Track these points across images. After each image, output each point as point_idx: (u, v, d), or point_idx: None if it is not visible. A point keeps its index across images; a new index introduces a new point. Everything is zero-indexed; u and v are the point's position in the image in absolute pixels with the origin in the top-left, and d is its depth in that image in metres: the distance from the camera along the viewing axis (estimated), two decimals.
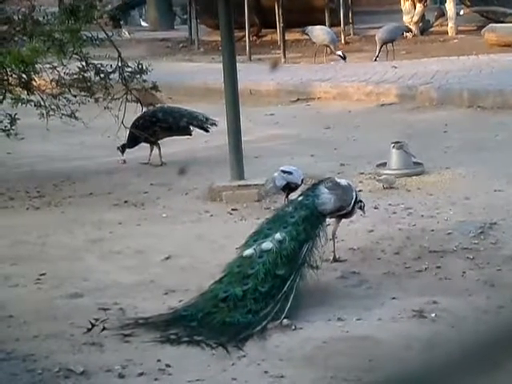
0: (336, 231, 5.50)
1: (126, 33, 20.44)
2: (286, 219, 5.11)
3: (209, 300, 4.73)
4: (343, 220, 5.53)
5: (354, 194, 5.47)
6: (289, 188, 6.05)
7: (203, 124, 8.30)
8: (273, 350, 4.33)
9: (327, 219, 5.32)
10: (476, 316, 4.59)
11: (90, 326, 4.56)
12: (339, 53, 13.36)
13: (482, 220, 6.06)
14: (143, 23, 22.97)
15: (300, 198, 5.32)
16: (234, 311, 4.67)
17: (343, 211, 5.43)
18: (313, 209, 5.19)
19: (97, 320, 4.61)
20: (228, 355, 4.30)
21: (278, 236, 4.95)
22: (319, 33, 13.87)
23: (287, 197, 6.01)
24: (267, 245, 4.92)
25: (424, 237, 5.83)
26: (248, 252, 4.91)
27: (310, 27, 14.09)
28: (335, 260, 5.46)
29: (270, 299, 4.74)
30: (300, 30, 14.59)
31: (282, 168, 6.09)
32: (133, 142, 8.20)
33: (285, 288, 4.81)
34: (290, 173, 6.05)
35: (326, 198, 5.26)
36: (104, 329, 4.56)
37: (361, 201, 5.54)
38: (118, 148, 8.17)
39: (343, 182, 5.51)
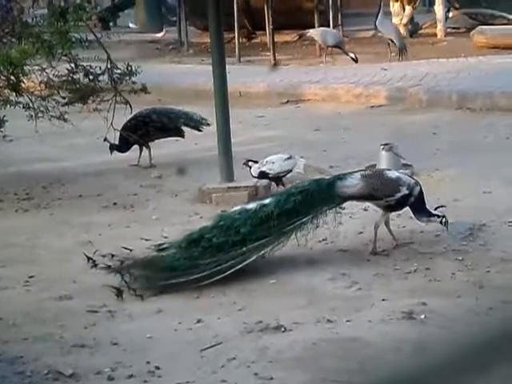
0: (380, 224, 5.51)
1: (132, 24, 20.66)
2: (289, 189, 5.25)
3: (181, 240, 5.06)
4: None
5: (403, 188, 5.43)
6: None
7: (198, 124, 8.28)
8: (262, 351, 4.33)
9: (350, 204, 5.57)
10: (465, 317, 4.60)
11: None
12: (352, 55, 13.30)
13: (471, 221, 6.07)
14: (131, 25, 22.91)
15: (325, 177, 5.45)
16: (180, 254, 4.95)
17: (375, 201, 5.45)
18: (325, 187, 5.25)
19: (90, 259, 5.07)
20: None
21: (266, 201, 5.11)
22: (328, 35, 13.80)
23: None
24: (251, 205, 5.09)
25: (413, 238, 5.84)
26: (235, 208, 5.08)
27: (312, 30, 14.08)
28: (375, 253, 5.47)
29: (217, 252, 4.86)
30: (298, 33, 14.50)
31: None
32: (124, 145, 8.17)
33: (244, 248, 4.90)
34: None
35: (352, 182, 5.29)
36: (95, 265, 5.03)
37: (444, 216, 5.51)
38: (109, 146, 8.05)
39: (392, 173, 5.50)
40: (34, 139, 8.56)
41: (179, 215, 6.64)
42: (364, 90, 11.31)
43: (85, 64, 7.73)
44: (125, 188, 7.51)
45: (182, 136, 8.35)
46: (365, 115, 10.47)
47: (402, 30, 16.65)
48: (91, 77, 7.74)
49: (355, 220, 6.10)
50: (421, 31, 17.45)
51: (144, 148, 8.20)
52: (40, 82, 7.72)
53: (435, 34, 16.77)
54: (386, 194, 5.43)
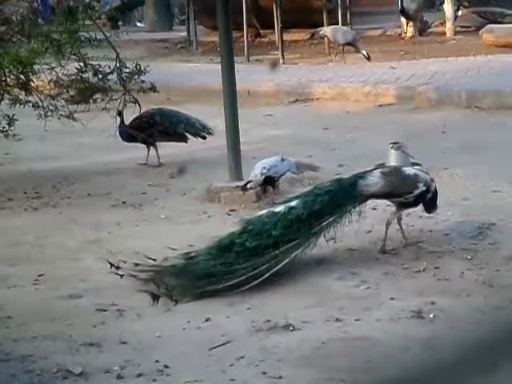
0: (392, 221, 5.51)
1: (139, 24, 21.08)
2: (313, 190, 5.23)
3: (210, 247, 5.01)
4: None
5: (421, 185, 5.43)
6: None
7: (200, 132, 8.25)
8: (271, 350, 4.33)
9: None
10: (474, 316, 4.59)
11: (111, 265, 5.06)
12: (364, 52, 13.31)
13: (480, 220, 6.06)
14: (139, 24, 22.99)
15: (346, 176, 5.43)
16: (213, 260, 4.88)
17: (395, 198, 5.44)
18: (347, 186, 5.24)
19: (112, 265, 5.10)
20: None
21: (293, 202, 5.10)
22: (340, 32, 13.81)
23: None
24: (279, 208, 5.05)
25: (422, 237, 5.83)
26: (262, 212, 5.06)
27: (324, 28, 14.11)
28: (384, 252, 5.47)
29: (251, 256, 4.83)
30: (310, 31, 14.52)
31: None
32: (129, 138, 8.17)
33: (277, 251, 4.88)
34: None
35: (373, 180, 5.30)
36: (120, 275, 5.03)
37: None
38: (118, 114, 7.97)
39: (409, 170, 5.50)
40: (44, 138, 8.59)
41: (187, 214, 6.65)
42: (373, 89, 11.30)
43: (94, 63, 7.75)
44: (133, 187, 7.52)
45: (185, 141, 8.29)
46: (374, 114, 10.46)
47: (411, 28, 16.67)
48: (100, 76, 7.76)
49: (364, 219, 6.08)
50: (430, 30, 17.43)
51: (151, 147, 8.21)
52: (49, 81, 7.75)
53: (444, 33, 16.75)
54: (405, 191, 5.44)
